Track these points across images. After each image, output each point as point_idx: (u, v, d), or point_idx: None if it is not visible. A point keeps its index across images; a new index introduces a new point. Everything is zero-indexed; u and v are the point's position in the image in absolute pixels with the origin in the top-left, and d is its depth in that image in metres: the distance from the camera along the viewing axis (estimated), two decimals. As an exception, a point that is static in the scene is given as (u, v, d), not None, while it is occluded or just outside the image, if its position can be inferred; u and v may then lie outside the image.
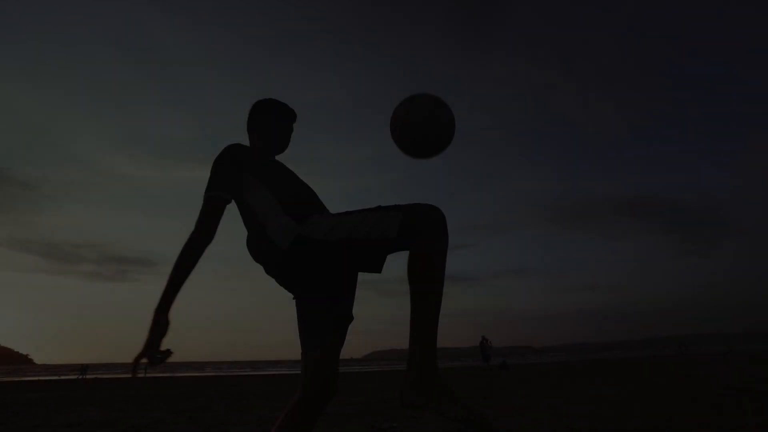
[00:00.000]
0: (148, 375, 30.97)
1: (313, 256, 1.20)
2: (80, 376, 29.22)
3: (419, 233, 1.08)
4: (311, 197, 1.41)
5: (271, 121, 1.57)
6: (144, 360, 1.11)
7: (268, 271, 1.34)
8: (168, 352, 1.13)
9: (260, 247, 1.32)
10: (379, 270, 1.18)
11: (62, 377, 32.21)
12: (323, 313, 1.30)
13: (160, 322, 1.14)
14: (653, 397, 4.68)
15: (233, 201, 1.38)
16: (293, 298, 1.39)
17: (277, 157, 1.60)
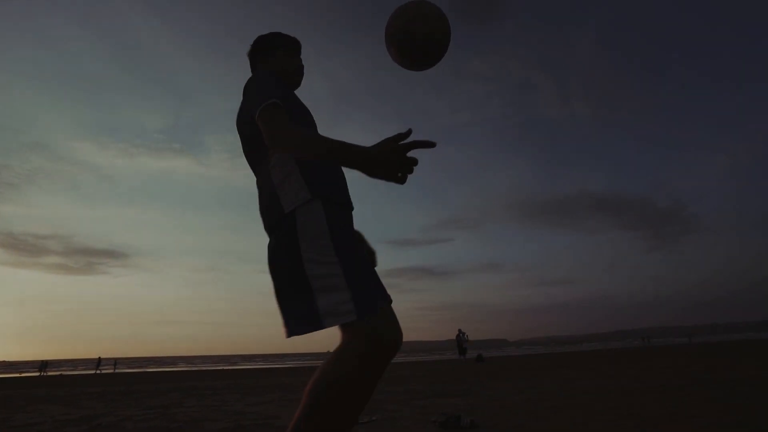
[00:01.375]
0: (117, 371, 30.09)
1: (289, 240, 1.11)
2: (41, 373, 28.14)
3: (354, 348, 0.99)
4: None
5: (281, 55, 1.43)
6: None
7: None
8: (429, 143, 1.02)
9: (268, 203, 1.19)
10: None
11: (23, 374, 30.87)
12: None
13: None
14: (624, 386, 4.82)
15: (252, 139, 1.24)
16: None
17: None
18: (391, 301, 1.18)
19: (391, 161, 1.00)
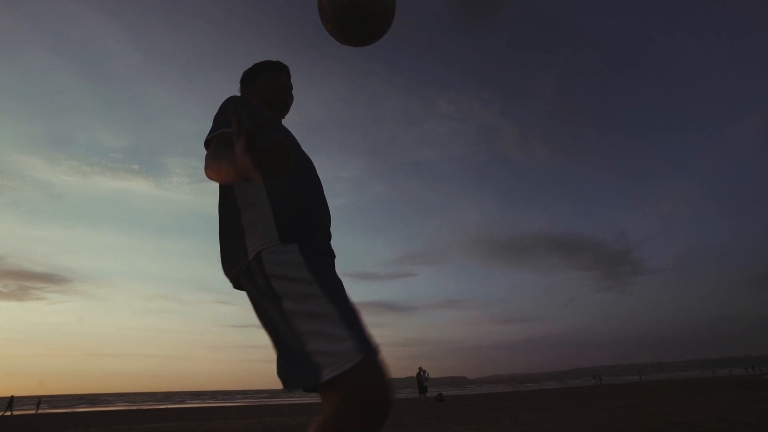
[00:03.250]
0: (39, 412, 26.91)
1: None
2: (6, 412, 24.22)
3: (339, 409, 0.89)
4: (313, 199, 1.16)
5: (264, 78, 1.40)
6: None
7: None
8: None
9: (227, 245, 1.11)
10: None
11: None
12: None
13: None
14: (583, 428, 4.77)
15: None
16: None
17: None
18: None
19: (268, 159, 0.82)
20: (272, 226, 1.04)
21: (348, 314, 0.96)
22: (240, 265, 1.05)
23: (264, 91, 1.39)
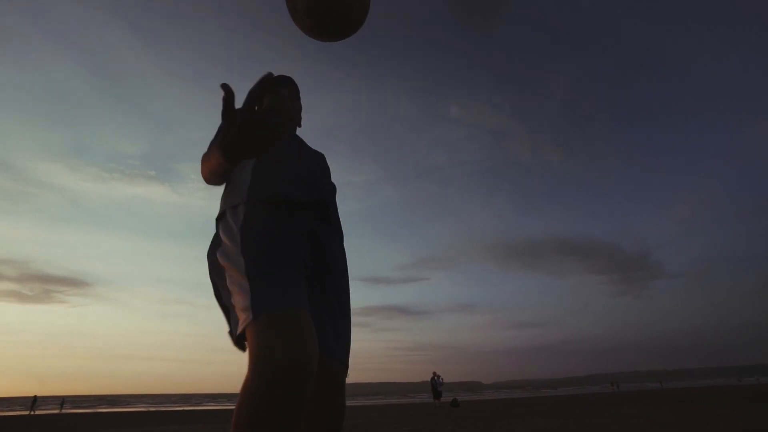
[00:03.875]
0: (63, 412, 27.54)
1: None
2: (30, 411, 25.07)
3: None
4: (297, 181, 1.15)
5: (268, 96, 1.40)
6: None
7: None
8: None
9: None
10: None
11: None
12: None
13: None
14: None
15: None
16: None
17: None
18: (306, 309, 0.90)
19: (253, 132, 0.87)
20: (239, 188, 1.09)
21: (258, 266, 0.91)
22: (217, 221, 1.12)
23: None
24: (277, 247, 0.96)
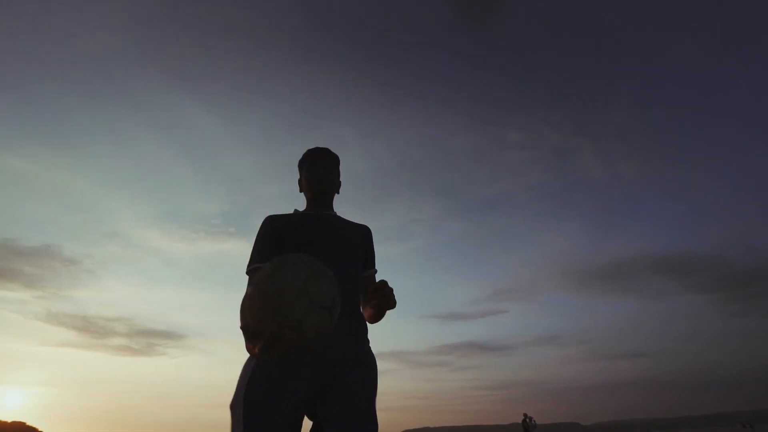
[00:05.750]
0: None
1: None
2: None
3: None
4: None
5: (305, 171, 1.57)
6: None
7: None
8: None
9: None
10: None
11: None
12: None
13: None
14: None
15: None
16: None
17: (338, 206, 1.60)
18: None
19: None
20: None
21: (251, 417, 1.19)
22: None
23: (304, 184, 1.56)
24: (278, 396, 1.33)
